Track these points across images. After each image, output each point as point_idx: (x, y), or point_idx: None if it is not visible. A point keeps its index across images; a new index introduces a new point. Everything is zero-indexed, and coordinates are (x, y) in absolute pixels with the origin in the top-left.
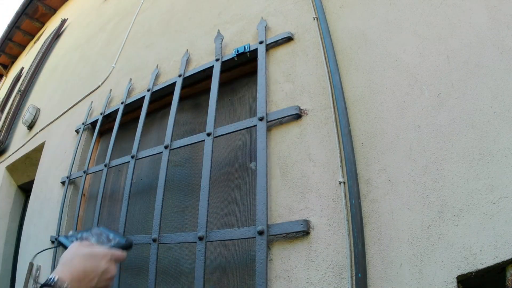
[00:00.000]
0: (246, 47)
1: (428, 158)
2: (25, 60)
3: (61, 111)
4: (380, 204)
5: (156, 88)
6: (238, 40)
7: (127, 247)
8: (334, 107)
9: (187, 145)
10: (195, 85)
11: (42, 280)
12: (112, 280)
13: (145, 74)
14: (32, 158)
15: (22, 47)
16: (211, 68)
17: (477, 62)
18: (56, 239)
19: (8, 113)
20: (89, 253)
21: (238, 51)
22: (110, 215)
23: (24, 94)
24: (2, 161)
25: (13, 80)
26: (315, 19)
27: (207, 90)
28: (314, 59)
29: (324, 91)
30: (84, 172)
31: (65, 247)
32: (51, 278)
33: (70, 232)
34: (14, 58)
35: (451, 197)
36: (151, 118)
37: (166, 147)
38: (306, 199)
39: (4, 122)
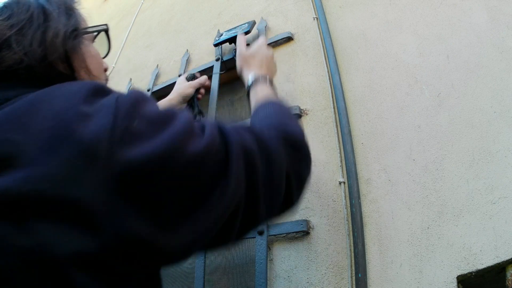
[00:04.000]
0: None
1: (428, 158)
2: None
3: None
4: (380, 204)
5: (156, 88)
6: None
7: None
8: (334, 107)
9: None
10: None
11: None
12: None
13: (145, 74)
14: None
15: None
16: (211, 68)
17: (477, 62)
18: None
19: None
20: (262, 48)
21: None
22: None
23: None
24: None
25: None
26: (315, 19)
27: (207, 90)
28: (314, 59)
29: (324, 91)
30: None
31: None
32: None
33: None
34: None
35: (451, 197)
36: None
37: None
38: (306, 199)
39: None
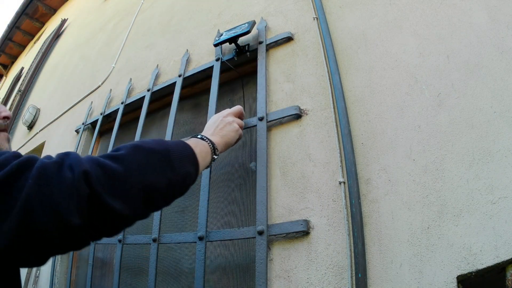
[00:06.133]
0: (246, 47)
1: (428, 158)
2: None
3: (61, 111)
4: (380, 204)
5: (156, 88)
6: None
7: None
8: (334, 107)
9: None
10: (195, 85)
11: (41, 283)
12: (240, 131)
13: (145, 74)
14: None
15: (22, 47)
16: (211, 68)
17: (477, 62)
18: None
19: None
20: (215, 117)
21: (237, 51)
22: None
23: (24, 94)
24: None
25: (13, 80)
26: (315, 19)
27: (207, 90)
28: (314, 59)
29: (324, 91)
30: None
31: None
32: (196, 135)
33: None
34: (14, 58)
35: (451, 197)
36: (151, 118)
37: None
38: (306, 199)
39: None
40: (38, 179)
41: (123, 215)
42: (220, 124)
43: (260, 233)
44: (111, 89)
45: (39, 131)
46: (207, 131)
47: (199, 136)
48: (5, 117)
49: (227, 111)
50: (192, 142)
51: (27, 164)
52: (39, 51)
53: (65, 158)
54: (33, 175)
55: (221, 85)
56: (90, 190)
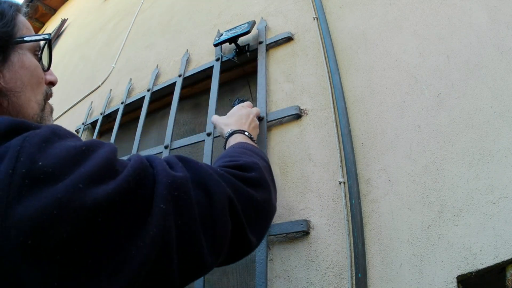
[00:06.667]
0: (246, 47)
1: (428, 158)
2: None
3: (61, 111)
4: (380, 204)
5: (156, 88)
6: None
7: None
8: (334, 107)
9: (187, 145)
10: (195, 85)
11: None
12: (257, 126)
13: (145, 74)
14: None
15: None
16: (211, 68)
17: (477, 62)
18: None
19: None
20: (245, 110)
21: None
22: None
23: None
24: None
25: None
26: (315, 19)
27: (207, 90)
28: (314, 59)
29: (324, 91)
30: None
31: None
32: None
33: None
34: None
35: (451, 197)
36: (151, 118)
37: (166, 147)
38: (306, 199)
39: None
40: (172, 203)
41: (254, 248)
42: (252, 123)
43: None
44: (111, 89)
45: None
46: (243, 125)
47: (246, 134)
48: (50, 82)
49: (255, 110)
50: (259, 150)
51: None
52: None
53: (188, 168)
54: (164, 194)
55: (221, 85)
56: (234, 222)
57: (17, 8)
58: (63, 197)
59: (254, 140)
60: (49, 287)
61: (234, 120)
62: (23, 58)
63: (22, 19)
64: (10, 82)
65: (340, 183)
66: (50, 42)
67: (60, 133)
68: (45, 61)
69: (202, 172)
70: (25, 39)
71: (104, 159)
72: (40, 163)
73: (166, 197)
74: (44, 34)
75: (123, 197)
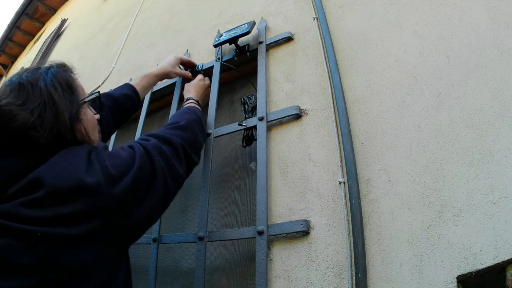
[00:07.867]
0: (246, 47)
1: (428, 158)
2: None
3: None
4: (380, 204)
5: (156, 88)
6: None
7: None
8: (334, 107)
9: None
10: None
11: None
12: (209, 90)
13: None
14: None
15: (22, 47)
16: (211, 68)
17: (477, 62)
18: None
19: None
20: (199, 82)
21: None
22: None
23: None
24: None
25: None
26: (315, 19)
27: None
28: (314, 59)
29: (324, 91)
30: None
31: None
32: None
33: None
34: (14, 58)
35: (451, 197)
36: (151, 118)
37: None
38: (306, 199)
39: None
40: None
41: (197, 163)
42: (204, 92)
43: (260, 233)
44: (111, 89)
45: None
46: (197, 93)
47: (195, 100)
48: (97, 119)
49: (207, 81)
50: (197, 109)
51: (147, 151)
52: (39, 51)
53: (151, 140)
54: (154, 153)
55: (221, 85)
56: (183, 151)
57: (71, 70)
58: (129, 182)
59: (200, 104)
60: (128, 211)
61: (194, 90)
62: (87, 114)
63: (78, 83)
64: (83, 132)
65: (340, 183)
66: (100, 97)
67: (105, 150)
68: (95, 105)
69: (163, 136)
70: (85, 100)
71: (137, 165)
72: (110, 169)
73: (156, 154)
74: (95, 92)
75: (142, 171)
